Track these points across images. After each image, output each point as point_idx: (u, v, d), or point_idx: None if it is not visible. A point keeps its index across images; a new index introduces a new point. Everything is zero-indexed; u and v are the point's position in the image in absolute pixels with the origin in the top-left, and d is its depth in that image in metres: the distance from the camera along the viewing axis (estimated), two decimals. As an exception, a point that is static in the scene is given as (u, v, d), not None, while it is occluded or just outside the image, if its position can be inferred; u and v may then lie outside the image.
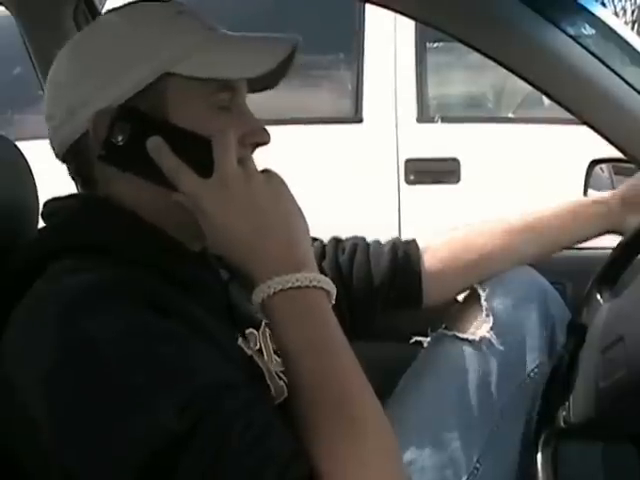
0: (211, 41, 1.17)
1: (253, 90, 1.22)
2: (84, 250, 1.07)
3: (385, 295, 1.56)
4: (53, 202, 1.21)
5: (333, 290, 1.06)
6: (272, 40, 1.19)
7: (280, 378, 1.19)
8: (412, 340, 1.58)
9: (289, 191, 1.09)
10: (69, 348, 0.95)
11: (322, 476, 0.91)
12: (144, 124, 1.11)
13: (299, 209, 1.09)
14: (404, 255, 1.56)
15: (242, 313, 1.22)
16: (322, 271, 1.50)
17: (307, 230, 1.10)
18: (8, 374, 1.00)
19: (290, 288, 1.02)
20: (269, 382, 1.17)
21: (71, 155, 1.18)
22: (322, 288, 1.04)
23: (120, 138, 1.10)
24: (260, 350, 1.22)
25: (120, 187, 1.14)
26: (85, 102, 1.13)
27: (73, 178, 1.21)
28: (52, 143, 1.20)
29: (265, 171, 1.10)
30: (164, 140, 1.09)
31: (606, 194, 1.62)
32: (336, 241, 1.57)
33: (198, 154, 1.08)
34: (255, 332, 1.23)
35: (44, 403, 0.95)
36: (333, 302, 1.06)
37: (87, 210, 1.16)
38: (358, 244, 1.57)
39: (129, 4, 1.20)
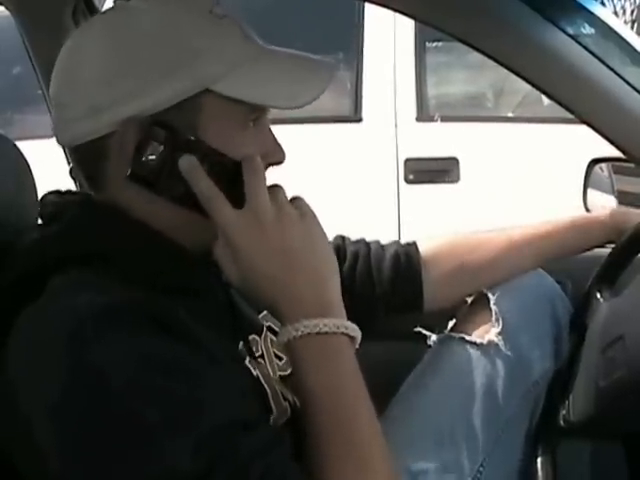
0: (252, 56, 1.11)
1: (277, 107, 1.17)
2: (87, 259, 1.05)
3: (387, 302, 1.55)
4: (52, 198, 1.17)
5: (358, 336, 1.06)
6: (316, 65, 1.16)
7: (285, 399, 1.18)
8: (416, 329, 1.57)
9: (321, 228, 1.08)
10: (77, 380, 0.92)
11: None
12: (177, 141, 1.05)
13: (329, 247, 1.09)
14: (406, 263, 1.55)
15: (244, 318, 1.22)
16: None
17: (336, 270, 1.09)
18: (11, 392, 0.98)
19: (318, 333, 1.02)
20: (272, 404, 1.16)
21: (83, 153, 1.12)
22: (348, 335, 1.05)
23: (152, 157, 1.04)
24: (262, 356, 1.22)
25: (133, 198, 1.10)
26: (112, 105, 1.06)
27: (76, 173, 1.19)
28: (58, 130, 1.14)
29: (294, 199, 1.08)
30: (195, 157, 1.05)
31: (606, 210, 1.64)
32: (338, 246, 1.56)
33: (229, 179, 1.05)
34: (257, 338, 1.22)
35: (50, 435, 0.93)
36: (357, 347, 1.07)
37: (91, 216, 1.12)
38: (360, 252, 1.56)
39: None
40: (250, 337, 1.21)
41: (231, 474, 0.89)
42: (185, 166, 1.04)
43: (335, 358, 1.03)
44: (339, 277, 1.09)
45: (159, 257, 1.09)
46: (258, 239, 1.03)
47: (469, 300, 1.58)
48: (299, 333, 1.02)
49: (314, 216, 1.08)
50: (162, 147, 1.04)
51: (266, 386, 1.16)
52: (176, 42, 1.08)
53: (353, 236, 1.65)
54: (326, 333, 1.02)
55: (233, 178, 1.05)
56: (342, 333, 1.04)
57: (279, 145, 1.15)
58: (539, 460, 1.44)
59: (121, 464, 0.89)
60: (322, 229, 1.08)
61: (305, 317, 1.02)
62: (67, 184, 1.24)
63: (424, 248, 1.58)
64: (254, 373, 1.16)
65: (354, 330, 1.05)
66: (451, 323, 1.54)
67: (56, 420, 0.93)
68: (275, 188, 1.08)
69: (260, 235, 1.03)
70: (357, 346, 1.07)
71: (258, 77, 1.10)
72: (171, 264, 1.10)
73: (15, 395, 0.97)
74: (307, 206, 1.08)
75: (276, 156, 1.14)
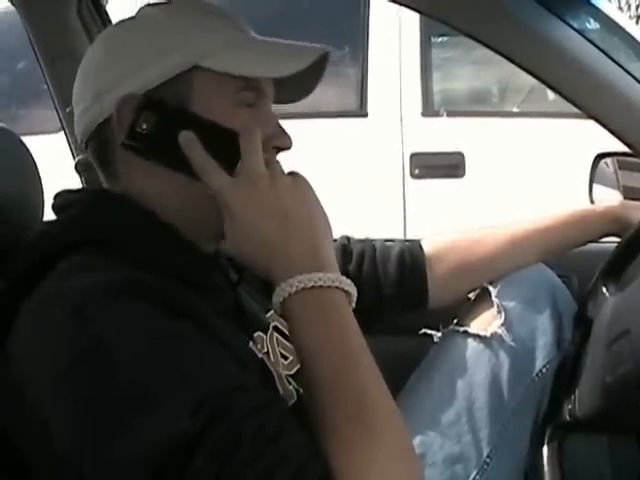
0: (242, 41, 1.18)
1: (280, 100, 1.23)
2: (96, 246, 1.07)
3: (392, 301, 1.57)
4: (65, 194, 1.20)
5: (354, 292, 1.06)
6: (302, 46, 1.19)
7: (290, 382, 1.19)
8: (421, 332, 1.58)
9: (314, 193, 1.09)
10: (81, 351, 0.94)
11: (337, 477, 0.91)
12: (170, 113, 1.12)
13: (324, 211, 1.09)
14: (411, 262, 1.57)
15: (250, 316, 1.23)
16: None
17: (330, 232, 1.10)
18: (19, 375, 1.00)
19: (312, 287, 1.01)
20: (279, 386, 1.17)
21: (94, 141, 1.18)
22: (343, 289, 1.04)
23: (145, 126, 1.10)
24: (267, 354, 1.22)
25: (141, 178, 1.14)
26: (111, 87, 1.13)
27: (94, 165, 1.21)
28: (77, 130, 1.20)
29: (291, 173, 1.10)
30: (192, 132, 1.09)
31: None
32: (343, 247, 1.57)
33: (225, 148, 1.08)
34: (263, 335, 1.22)
35: (57, 405, 0.95)
36: (354, 305, 1.07)
37: (101, 205, 1.16)
38: (365, 251, 1.58)
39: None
40: (255, 334, 1.21)
41: (226, 431, 0.89)
42: (183, 139, 1.09)
43: (332, 313, 1.02)
44: (332, 239, 1.10)
45: (166, 248, 1.12)
46: (252, 203, 1.05)
47: (472, 296, 1.59)
48: (294, 289, 1.01)
49: (308, 183, 1.10)
50: (155, 119, 1.11)
51: (271, 368, 1.17)
52: (168, 29, 1.16)
53: (359, 232, 1.65)
54: (321, 287, 1.02)
55: (230, 148, 1.08)
56: (337, 287, 1.03)
57: (284, 130, 1.18)
58: (545, 455, 1.44)
59: (123, 427, 0.91)
60: (316, 195, 1.09)
61: (300, 273, 1.02)
62: (71, 178, 1.24)
63: (427, 246, 1.60)
64: (258, 355, 1.17)
65: (349, 285, 1.05)
66: (455, 320, 1.55)
67: (61, 389, 0.95)
68: (271, 158, 1.12)
69: (254, 199, 1.05)
70: (353, 304, 1.06)
71: (245, 55, 1.16)
72: (178, 255, 1.13)
73: (21, 382, 0.99)
74: (302, 176, 1.11)
75: (281, 140, 1.17)
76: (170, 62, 1.13)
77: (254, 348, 1.17)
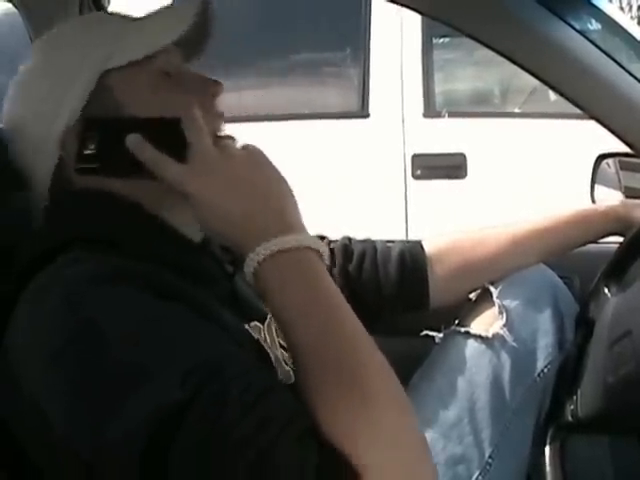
0: (127, 28, 1.22)
1: (189, 58, 1.27)
2: (91, 243, 1.08)
3: (393, 302, 1.57)
4: (59, 193, 1.21)
5: (324, 250, 1.04)
6: (182, 5, 1.22)
7: (287, 363, 1.18)
8: (422, 333, 1.58)
9: (269, 160, 1.08)
10: (72, 332, 0.96)
11: (332, 439, 0.89)
12: (108, 125, 1.14)
13: (281, 176, 1.08)
14: (411, 263, 1.57)
15: (247, 306, 1.22)
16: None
17: (291, 194, 1.08)
18: (14, 366, 1.01)
19: (279, 251, 1.00)
20: (276, 366, 1.16)
21: (58, 185, 1.19)
22: (311, 248, 1.02)
23: (92, 147, 1.12)
24: (265, 342, 1.22)
25: (116, 186, 1.15)
26: (46, 136, 1.17)
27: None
28: (36, 186, 1.22)
29: (244, 146, 1.10)
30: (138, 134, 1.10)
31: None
32: (345, 247, 1.57)
33: (171, 138, 1.08)
34: (260, 325, 1.21)
35: (50, 389, 0.96)
36: (327, 263, 1.05)
37: (91, 203, 1.17)
38: (366, 252, 1.57)
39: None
40: (252, 324, 1.20)
41: (212, 394, 0.89)
42: (130, 143, 1.09)
43: (304, 273, 1.00)
44: (295, 200, 1.08)
45: (155, 239, 1.14)
46: (208, 183, 1.04)
47: (473, 297, 1.59)
48: (261, 257, 0.99)
49: (261, 152, 1.09)
50: (98, 136, 1.12)
51: (268, 350, 1.17)
52: (63, 57, 1.20)
53: (361, 232, 1.65)
54: (289, 250, 1.00)
55: (176, 136, 1.08)
56: (305, 247, 1.01)
57: (209, 78, 1.21)
58: (547, 455, 1.44)
59: (120, 410, 0.91)
60: (271, 162, 1.08)
61: (265, 240, 1.00)
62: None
63: (428, 247, 1.60)
64: (254, 336, 1.16)
65: (317, 243, 1.03)
66: (456, 321, 1.55)
67: (54, 372, 0.96)
68: (220, 134, 1.15)
69: (206, 176, 1.04)
70: (326, 262, 1.05)
71: (136, 37, 1.19)
72: (167, 245, 1.14)
73: (18, 372, 1.00)
74: (254, 146, 1.10)
75: (210, 88, 1.20)
76: (80, 84, 1.16)
77: (250, 330, 1.17)
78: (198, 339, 0.96)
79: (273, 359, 1.17)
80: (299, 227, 1.04)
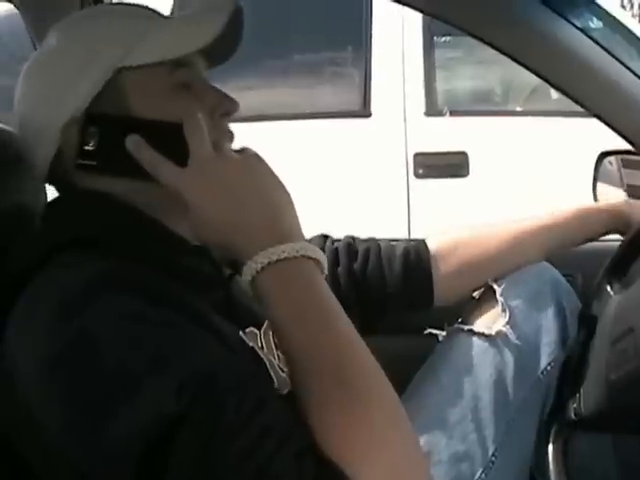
0: (151, 27, 1.18)
1: (213, 63, 1.24)
2: (86, 245, 1.08)
3: (397, 300, 1.57)
4: (56, 194, 1.22)
5: (322, 258, 1.04)
6: (213, 9, 1.18)
7: (283, 371, 1.17)
8: (426, 332, 1.58)
9: (267, 165, 1.07)
10: (66, 342, 0.95)
11: (327, 448, 0.89)
12: (111, 124, 1.13)
13: (279, 182, 1.07)
14: (416, 261, 1.57)
15: (244, 311, 1.21)
16: (336, 277, 1.53)
17: (290, 201, 1.06)
18: (9, 373, 1.00)
19: (277, 260, 0.99)
20: (272, 374, 1.16)
21: (55, 176, 1.20)
22: (310, 257, 1.02)
23: (92, 143, 1.12)
24: (261, 349, 1.21)
25: (114, 188, 1.15)
26: (49, 122, 1.16)
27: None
28: (35, 172, 1.21)
29: (242, 150, 1.10)
30: (138, 135, 1.10)
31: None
32: (349, 246, 1.57)
33: (172, 142, 1.08)
34: (256, 331, 1.20)
35: (45, 398, 0.95)
36: (325, 272, 1.05)
37: (87, 205, 1.16)
38: (370, 250, 1.58)
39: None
40: (248, 330, 1.19)
41: (208, 407, 0.89)
42: (129, 144, 1.09)
43: (301, 282, 1.00)
44: (294, 207, 1.07)
45: (150, 242, 1.13)
46: (203, 188, 1.03)
47: (476, 295, 1.59)
48: (259, 265, 0.99)
49: (258, 156, 1.08)
50: (99, 133, 1.12)
51: (263, 357, 1.16)
52: (75, 49, 1.17)
53: (363, 231, 1.66)
54: (286, 259, 0.99)
55: (177, 141, 1.07)
56: (303, 256, 1.01)
57: (226, 96, 1.19)
58: (550, 453, 1.44)
59: (114, 419, 0.91)
60: (268, 167, 1.07)
61: (262, 249, 1.00)
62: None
63: (432, 245, 1.60)
64: (249, 344, 1.16)
65: (315, 251, 1.02)
66: (460, 319, 1.55)
67: (47, 382, 0.95)
68: (221, 136, 1.14)
69: (205, 184, 1.04)
70: (325, 271, 1.04)
71: (158, 40, 1.16)
72: (163, 249, 1.13)
73: (12, 375, 1.00)
74: (251, 150, 1.10)
75: (225, 106, 1.18)
76: (92, 77, 1.15)
77: (244, 337, 1.16)
78: (193, 347, 0.95)
79: (269, 366, 1.16)
80: (296, 235, 1.04)
